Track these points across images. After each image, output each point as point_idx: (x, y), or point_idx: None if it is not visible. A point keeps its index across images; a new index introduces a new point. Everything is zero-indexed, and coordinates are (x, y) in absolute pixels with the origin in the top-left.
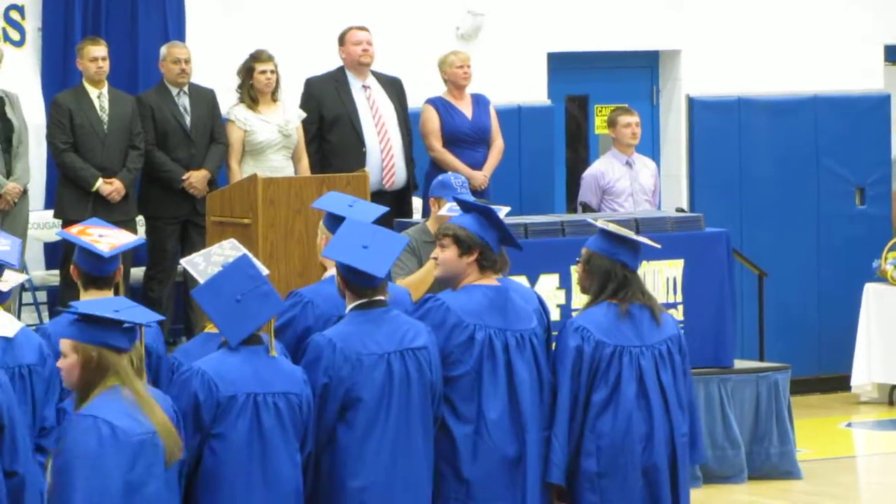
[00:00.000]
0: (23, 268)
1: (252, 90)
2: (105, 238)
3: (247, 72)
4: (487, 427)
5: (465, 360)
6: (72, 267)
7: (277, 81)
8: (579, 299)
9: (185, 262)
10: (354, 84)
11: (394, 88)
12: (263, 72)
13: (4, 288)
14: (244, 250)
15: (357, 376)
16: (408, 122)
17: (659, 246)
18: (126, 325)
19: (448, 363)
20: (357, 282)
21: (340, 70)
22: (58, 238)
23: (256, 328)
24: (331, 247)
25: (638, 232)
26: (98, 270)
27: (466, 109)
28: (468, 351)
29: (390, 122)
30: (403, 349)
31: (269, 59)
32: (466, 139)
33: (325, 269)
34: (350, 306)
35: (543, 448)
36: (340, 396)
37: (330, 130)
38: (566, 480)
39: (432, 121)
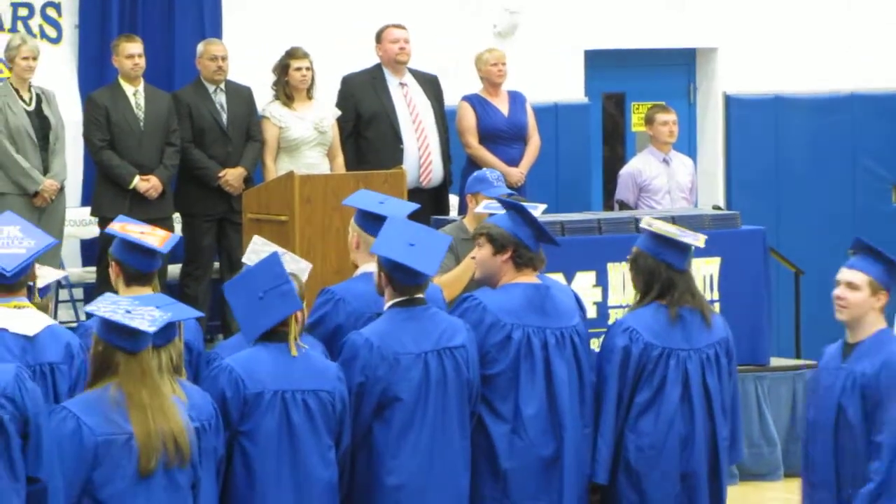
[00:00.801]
0: (59, 265)
1: (287, 87)
2: (146, 235)
3: (282, 69)
4: (524, 425)
5: (501, 358)
6: (114, 265)
7: (313, 78)
8: (616, 297)
9: (246, 261)
10: (392, 81)
11: (431, 86)
12: (299, 69)
13: (41, 284)
14: (274, 247)
15: (394, 375)
16: (445, 120)
17: (702, 244)
18: (131, 328)
19: (485, 362)
20: (402, 279)
21: (377, 67)
22: (94, 235)
23: (270, 325)
24: (378, 243)
25: None
26: (147, 266)
27: (503, 106)
28: (504, 350)
29: (427, 119)
30: (441, 348)
31: (305, 56)
32: (503, 136)
33: (356, 267)
34: (389, 303)
35: (581, 447)
36: (377, 395)
37: (367, 127)
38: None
39: (468, 118)
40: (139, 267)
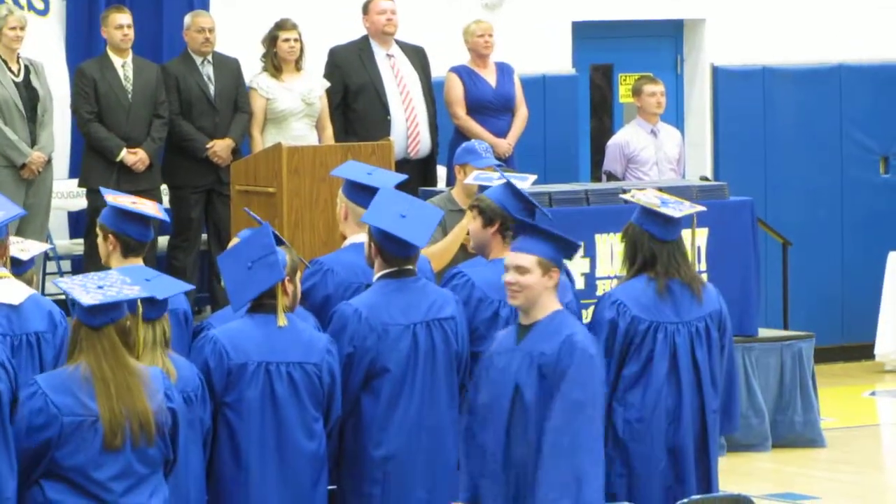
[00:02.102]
0: (47, 237)
1: (276, 59)
2: (138, 205)
3: (271, 40)
4: None
5: (488, 335)
6: (111, 237)
7: (301, 50)
8: (604, 268)
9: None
10: (379, 53)
11: (418, 57)
12: (287, 40)
13: (25, 257)
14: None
15: (382, 346)
16: (432, 91)
17: (678, 214)
18: (93, 304)
19: (474, 339)
20: (393, 250)
21: (364, 39)
22: (82, 207)
23: (255, 295)
24: (369, 213)
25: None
26: (145, 236)
27: (490, 78)
28: (493, 327)
29: (415, 90)
30: (430, 320)
31: (293, 27)
32: (490, 107)
33: (344, 238)
34: (378, 274)
35: None
36: (365, 366)
37: (354, 99)
38: None
39: (456, 89)
40: (138, 237)
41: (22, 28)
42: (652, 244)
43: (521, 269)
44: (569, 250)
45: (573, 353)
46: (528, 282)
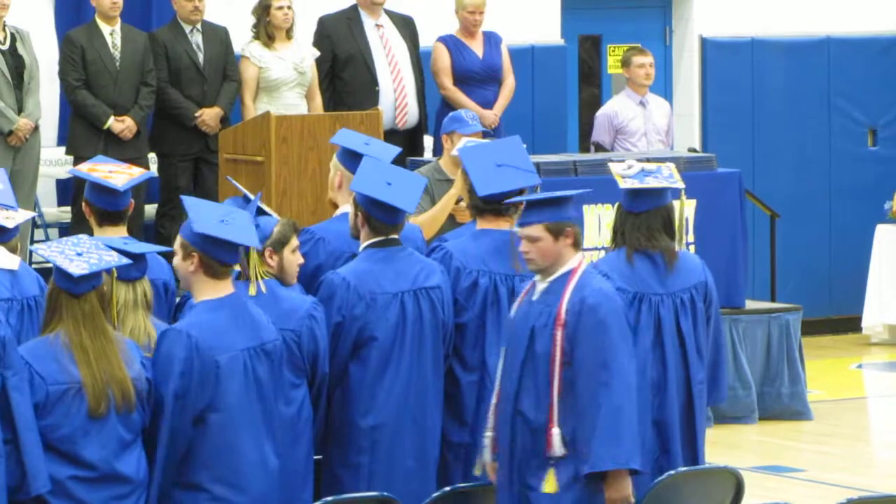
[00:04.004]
0: (34, 204)
1: (269, 27)
2: (115, 173)
3: (263, 9)
4: (490, 375)
5: (469, 306)
6: (84, 205)
7: (293, 19)
8: (591, 239)
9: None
10: (367, 23)
11: (406, 27)
12: (280, 8)
13: (10, 225)
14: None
15: (371, 315)
16: (420, 62)
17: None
18: (71, 271)
19: (455, 309)
20: (381, 217)
21: (353, 8)
22: (70, 175)
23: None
24: (357, 181)
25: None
26: (112, 205)
27: (477, 48)
28: (472, 297)
29: (403, 61)
30: (417, 288)
31: None
32: (476, 77)
33: (334, 206)
34: (364, 244)
35: None
36: (353, 334)
37: (343, 69)
38: None
39: (443, 59)
40: (105, 206)
41: None
42: (623, 215)
43: (531, 239)
44: (567, 203)
45: (580, 315)
46: (542, 248)
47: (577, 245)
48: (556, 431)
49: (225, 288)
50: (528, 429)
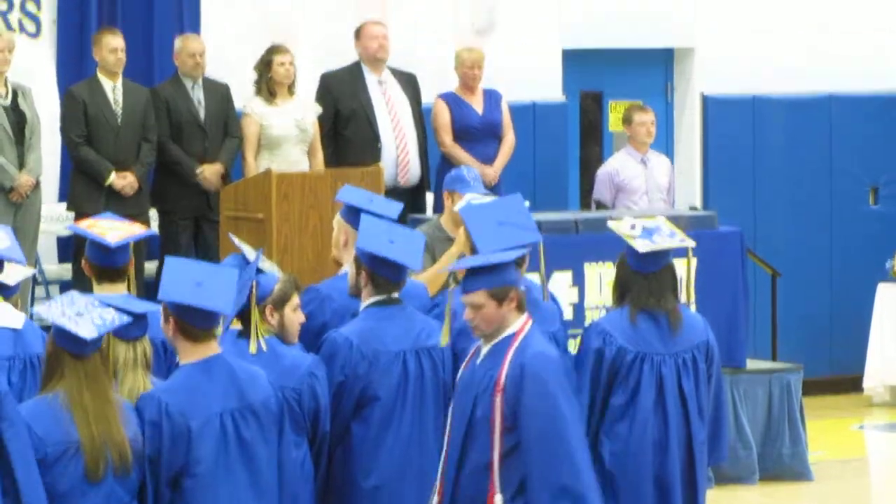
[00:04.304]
0: (35, 261)
1: (270, 83)
2: (113, 230)
3: (265, 65)
4: None
5: None
6: (83, 261)
7: (295, 74)
8: (593, 297)
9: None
10: (370, 79)
11: (409, 84)
12: (282, 63)
13: (11, 282)
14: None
15: (373, 374)
16: (422, 118)
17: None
18: (72, 333)
19: (455, 368)
20: (386, 275)
21: (356, 65)
22: (70, 231)
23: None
24: (361, 239)
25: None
26: (107, 262)
27: (477, 104)
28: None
29: (405, 117)
30: (419, 347)
31: (287, 51)
32: (477, 134)
33: (338, 264)
34: (367, 302)
35: None
36: (356, 394)
37: (346, 125)
38: None
39: (443, 115)
40: (100, 263)
41: (10, 51)
42: (629, 274)
43: (475, 306)
44: (508, 267)
45: (522, 380)
46: (486, 315)
47: (521, 308)
48: (498, 498)
49: (207, 350)
50: (469, 495)
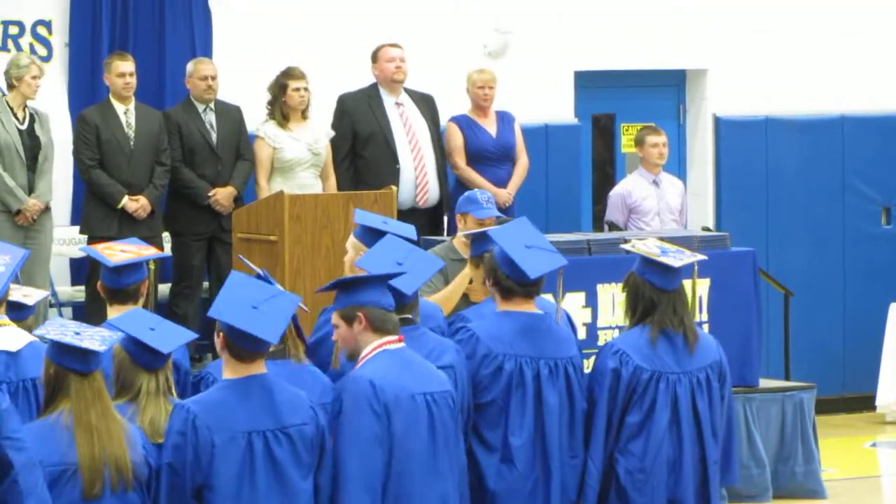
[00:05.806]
0: (48, 283)
1: (284, 107)
2: (123, 252)
3: (279, 89)
4: (512, 455)
5: (492, 388)
6: (99, 283)
7: (309, 100)
8: (605, 318)
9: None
10: (388, 101)
11: (426, 105)
12: (297, 89)
13: (29, 302)
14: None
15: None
16: (440, 140)
17: (677, 264)
18: (82, 349)
19: (477, 390)
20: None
21: (373, 87)
22: (84, 254)
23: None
24: (366, 258)
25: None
26: (114, 283)
27: (490, 127)
28: (496, 381)
29: (423, 139)
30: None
31: (302, 76)
32: (490, 156)
33: None
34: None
35: (567, 477)
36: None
37: (364, 147)
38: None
39: (456, 138)
40: (109, 284)
41: (40, 78)
42: (653, 293)
43: (334, 326)
44: (357, 288)
45: (335, 402)
46: (340, 335)
47: (374, 329)
48: None
49: (251, 369)
50: None
